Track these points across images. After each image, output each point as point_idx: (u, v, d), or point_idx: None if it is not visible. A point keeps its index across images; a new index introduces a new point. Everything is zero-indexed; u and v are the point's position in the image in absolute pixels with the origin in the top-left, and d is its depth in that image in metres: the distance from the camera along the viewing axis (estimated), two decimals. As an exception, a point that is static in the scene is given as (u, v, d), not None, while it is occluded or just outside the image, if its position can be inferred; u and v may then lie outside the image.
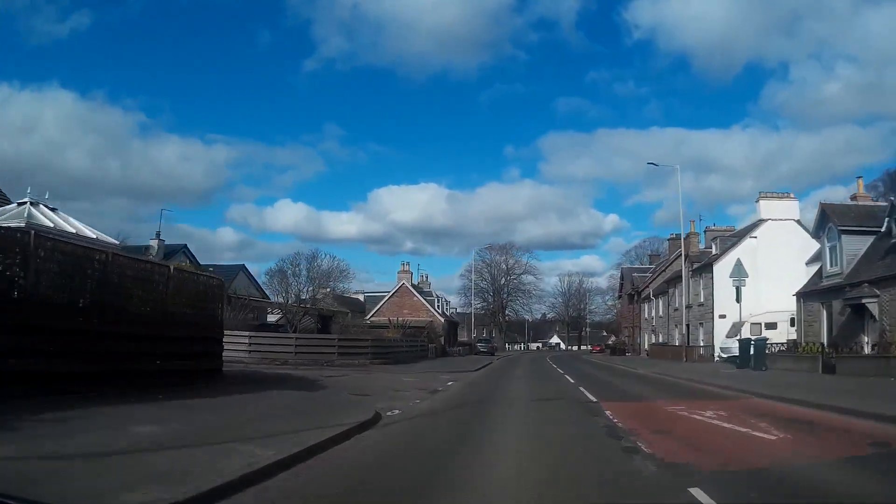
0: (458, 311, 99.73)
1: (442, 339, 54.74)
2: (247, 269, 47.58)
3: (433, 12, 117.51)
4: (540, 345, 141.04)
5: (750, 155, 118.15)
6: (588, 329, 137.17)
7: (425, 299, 57.16)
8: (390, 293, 57.14)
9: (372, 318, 56.44)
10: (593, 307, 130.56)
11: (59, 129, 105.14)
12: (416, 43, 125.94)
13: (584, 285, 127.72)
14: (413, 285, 57.76)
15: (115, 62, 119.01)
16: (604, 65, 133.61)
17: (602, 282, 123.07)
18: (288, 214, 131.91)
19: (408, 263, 58.75)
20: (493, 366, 37.00)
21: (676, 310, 47.45)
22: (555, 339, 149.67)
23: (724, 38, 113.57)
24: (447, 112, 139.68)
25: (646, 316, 58.36)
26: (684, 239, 43.90)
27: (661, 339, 51.87)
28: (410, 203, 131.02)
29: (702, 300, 41.33)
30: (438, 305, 58.20)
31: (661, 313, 52.72)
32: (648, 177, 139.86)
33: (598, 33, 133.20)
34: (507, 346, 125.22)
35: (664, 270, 60.56)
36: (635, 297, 62.61)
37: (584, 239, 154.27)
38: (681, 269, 54.77)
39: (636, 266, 70.87)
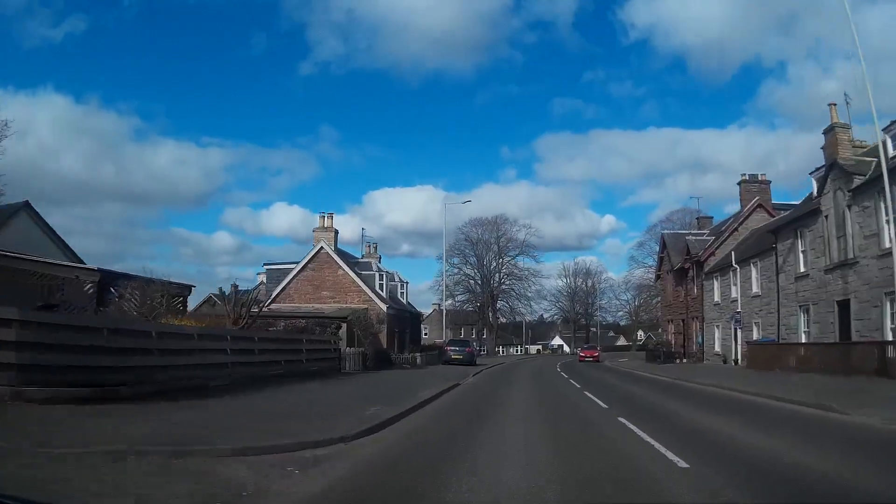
0: (441, 307, 77.80)
1: (385, 339, 32.75)
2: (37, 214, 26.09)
3: (429, 14, 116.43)
4: (540, 347, 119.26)
5: (746, 154, 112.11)
6: (599, 329, 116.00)
7: (360, 275, 35.21)
8: (300, 264, 35.14)
9: (272, 305, 34.47)
10: (604, 302, 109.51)
11: (54, 134, 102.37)
12: (412, 45, 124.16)
13: (592, 276, 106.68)
14: (339, 252, 35.73)
15: (109, 66, 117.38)
16: (600, 65, 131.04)
17: (609, 278, 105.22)
18: (283, 217, 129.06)
19: (330, 215, 35.14)
20: (443, 406, 15.01)
21: (807, 277, 25.53)
22: (557, 341, 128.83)
23: (722, 37, 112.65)
24: (443, 114, 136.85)
25: (716, 299, 36.48)
26: (830, 132, 22.20)
27: (756, 335, 30.09)
28: (406, 205, 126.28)
29: (890, 244, 19.41)
30: (383, 287, 36.29)
31: (755, 289, 30.87)
32: (646, 177, 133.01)
33: (595, 33, 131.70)
34: (500, 349, 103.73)
35: (736, 229, 38.89)
36: (690, 273, 40.76)
37: (580, 240, 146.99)
38: (769, 225, 33.22)
39: (688, 230, 48.92)
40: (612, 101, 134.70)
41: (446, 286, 71.30)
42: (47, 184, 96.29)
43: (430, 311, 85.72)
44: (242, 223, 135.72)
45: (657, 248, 78.55)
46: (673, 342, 43.40)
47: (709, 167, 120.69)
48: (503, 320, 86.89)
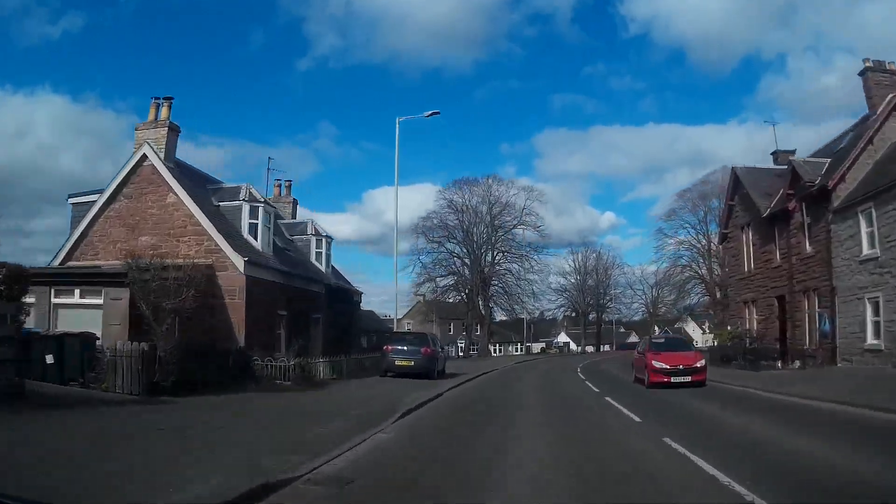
0: (429, 295, 61.74)
1: (242, 327, 16.60)
2: None
3: (427, 8, 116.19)
4: (544, 345, 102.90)
5: (747, 149, 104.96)
6: (614, 325, 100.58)
7: (214, 208, 19.09)
8: (108, 190, 18.91)
9: (70, 263, 18.49)
10: (618, 291, 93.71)
11: (52, 133, 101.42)
12: (410, 40, 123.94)
13: (604, 262, 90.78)
14: (179, 167, 19.51)
15: (107, 64, 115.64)
16: (600, 60, 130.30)
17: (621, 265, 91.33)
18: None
19: (167, 101, 19.15)
20: None
21: None
22: (562, 338, 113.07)
23: (721, 30, 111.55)
24: (442, 109, 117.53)
25: (866, 252, 20.42)
26: None
27: None
28: (406, 203, 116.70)
29: None
30: (258, 231, 19.74)
31: None
32: (646, 172, 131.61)
33: (594, 27, 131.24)
34: (496, 347, 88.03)
35: (870, 142, 23.17)
36: (797, 217, 24.71)
37: (580, 236, 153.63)
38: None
39: (771, 165, 32.59)
40: (611, 96, 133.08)
41: (423, 265, 55.33)
42: (46, 183, 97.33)
43: (415, 304, 69.44)
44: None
45: (694, 219, 62.17)
46: (759, 333, 27.27)
47: (709, 162, 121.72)
48: (502, 317, 71.02)
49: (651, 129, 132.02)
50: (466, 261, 55.94)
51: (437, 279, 55.85)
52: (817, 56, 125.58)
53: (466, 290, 57.43)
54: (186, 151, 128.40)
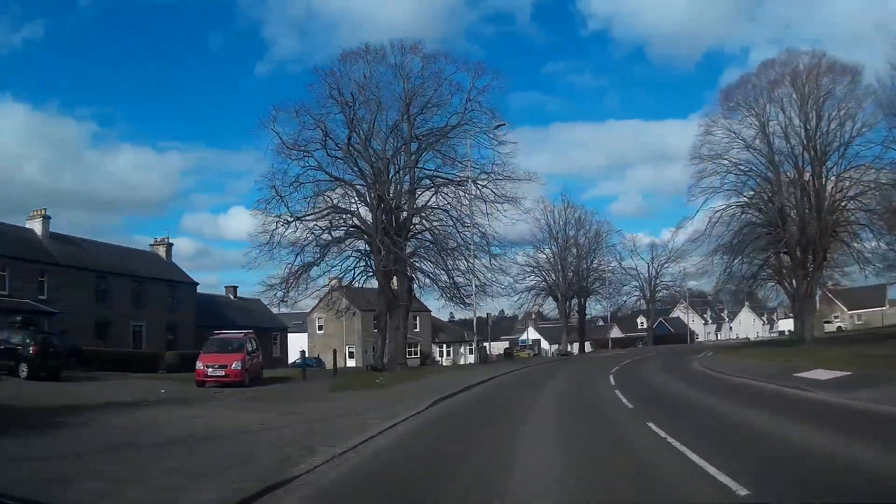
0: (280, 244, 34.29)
1: None
2: None
3: (386, 9, 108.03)
4: (507, 345, 76.72)
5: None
6: (608, 316, 76.33)
7: None
8: None
9: None
10: (609, 266, 69.36)
11: (13, 142, 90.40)
12: (370, 42, 73.38)
13: (587, 225, 65.65)
14: None
15: (66, 72, 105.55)
16: (561, 57, 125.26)
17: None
18: (244, 221, 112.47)
19: None
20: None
21: None
22: (531, 335, 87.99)
23: (684, 24, 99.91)
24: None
25: None
26: None
27: None
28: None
29: None
30: None
31: None
32: (607, 169, 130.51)
33: (555, 25, 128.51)
34: (443, 350, 62.63)
35: None
36: None
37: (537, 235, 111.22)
38: None
39: None
40: (572, 94, 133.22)
41: (277, 193, 28.24)
42: (7, 192, 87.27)
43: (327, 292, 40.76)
44: (202, 228, 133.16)
45: (752, 130, 34.04)
46: None
47: (672, 157, 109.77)
48: (465, 316, 44.85)
49: (612, 125, 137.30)
50: (359, 186, 28.94)
51: (306, 218, 28.06)
52: (781, 48, 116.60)
53: (363, 251, 30.44)
54: (142, 159, 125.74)
